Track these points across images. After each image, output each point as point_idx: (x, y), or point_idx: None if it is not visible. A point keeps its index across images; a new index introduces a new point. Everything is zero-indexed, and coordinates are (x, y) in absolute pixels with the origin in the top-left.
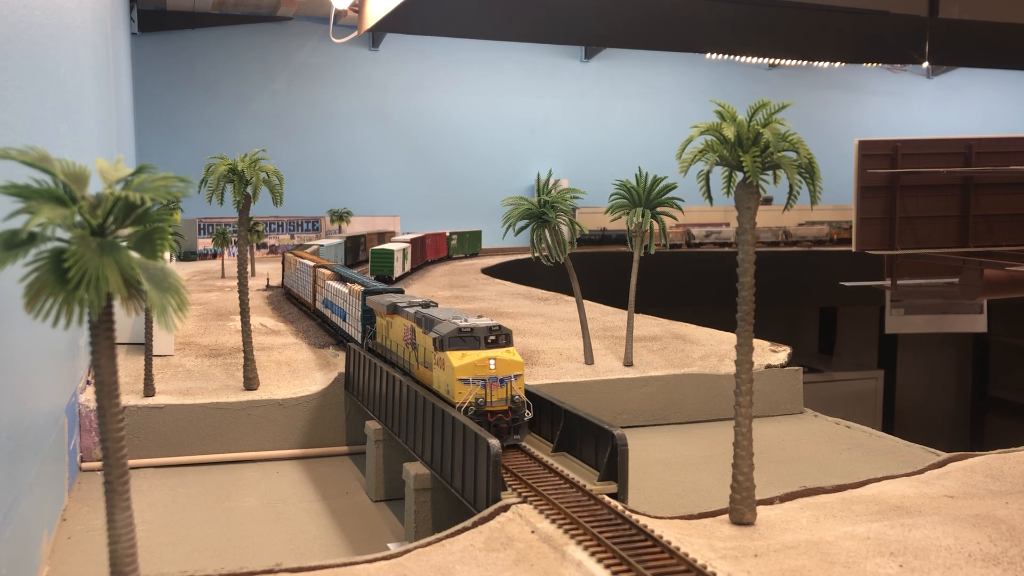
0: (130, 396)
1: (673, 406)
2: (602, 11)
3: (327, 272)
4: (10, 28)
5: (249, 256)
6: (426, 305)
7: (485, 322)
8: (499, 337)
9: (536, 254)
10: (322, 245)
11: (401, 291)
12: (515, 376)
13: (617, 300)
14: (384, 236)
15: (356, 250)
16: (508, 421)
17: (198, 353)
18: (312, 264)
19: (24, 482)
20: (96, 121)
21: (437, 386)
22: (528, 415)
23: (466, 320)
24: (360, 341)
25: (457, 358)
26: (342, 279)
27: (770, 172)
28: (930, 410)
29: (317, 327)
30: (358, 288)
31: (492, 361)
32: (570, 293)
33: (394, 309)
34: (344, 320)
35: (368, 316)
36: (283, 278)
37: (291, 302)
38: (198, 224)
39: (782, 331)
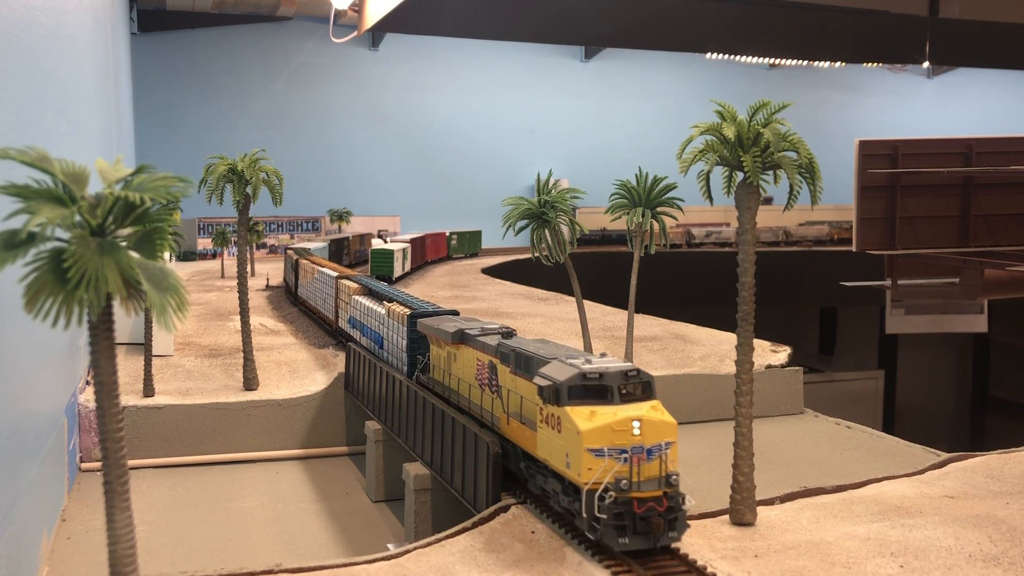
0: (130, 396)
1: (673, 406)
2: (602, 11)
3: (354, 285)
4: (10, 28)
5: (249, 256)
6: (508, 335)
7: (616, 364)
8: (638, 386)
9: (536, 254)
10: (307, 248)
11: (456, 312)
12: (667, 444)
13: (617, 300)
14: (366, 238)
15: (340, 253)
16: (662, 512)
17: (198, 353)
18: (335, 275)
19: (24, 482)
20: (96, 121)
21: (546, 454)
22: (690, 502)
23: (588, 360)
24: (407, 374)
25: (584, 418)
26: (374, 295)
27: (770, 172)
28: (930, 410)
29: (316, 326)
30: (400, 309)
31: (636, 423)
32: (570, 293)
33: (462, 338)
34: (380, 346)
35: (417, 344)
36: (285, 277)
37: (304, 314)
38: (198, 224)
39: (782, 331)
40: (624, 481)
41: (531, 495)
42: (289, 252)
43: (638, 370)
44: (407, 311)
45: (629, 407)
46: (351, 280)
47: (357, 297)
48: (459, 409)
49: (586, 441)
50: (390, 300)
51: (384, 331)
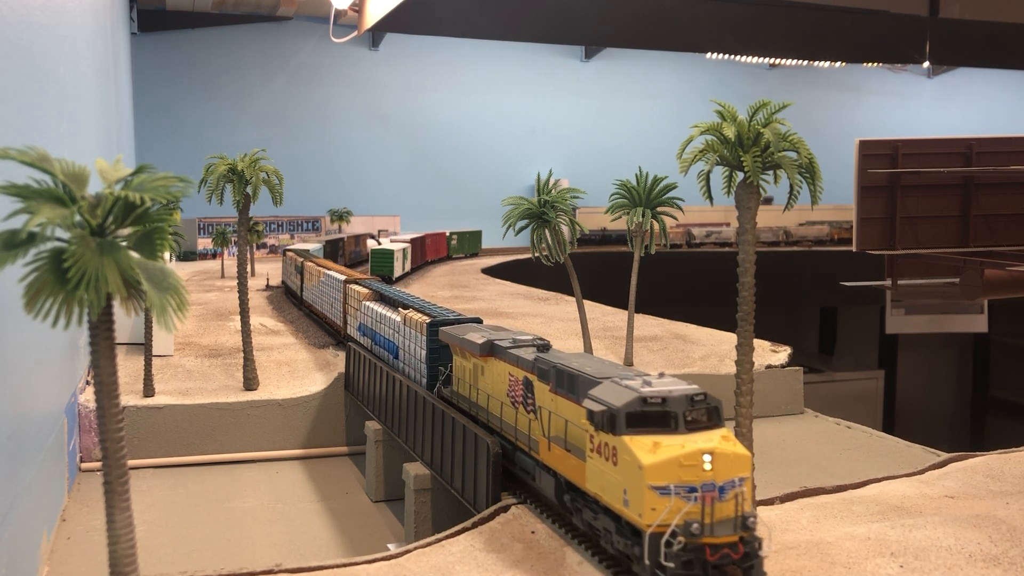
0: (130, 396)
1: None
2: (602, 11)
3: (363, 290)
4: (10, 28)
5: (249, 256)
6: (544, 347)
7: (679, 386)
8: (705, 412)
9: (536, 254)
10: (307, 250)
11: (479, 320)
12: (741, 481)
13: (617, 300)
14: (360, 239)
15: (335, 254)
16: (738, 560)
17: (198, 353)
18: (343, 279)
19: (24, 482)
20: (96, 121)
21: (598, 488)
22: (768, 547)
23: (646, 382)
24: (427, 387)
25: (646, 449)
26: (387, 301)
27: (770, 172)
28: (930, 410)
29: (307, 318)
30: (418, 317)
31: (708, 456)
32: (570, 293)
33: (491, 350)
34: (396, 356)
35: (438, 354)
36: (284, 278)
37: (308, 317)
38: (198, 224)
39: (782, 331)
40: (695, 524)
41: (531, 495)
42: (290, 254)
43: (705, 394)
44: (427, 319)
45: (697, 437)
46: (361, 285)
47: (368, 303)
48: (488, 428)
49: (649, 477)
50: (405, 306)
51: (400, 340)
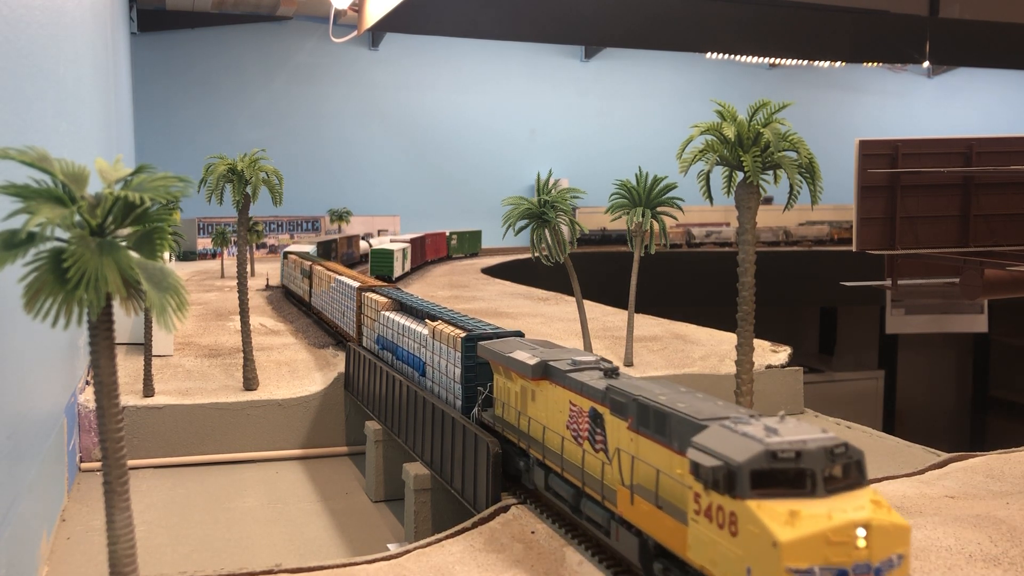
0: (129, 396)
1: None
2: (602, 11)
3: (382, 299)
4: (10, 28)
5: (249, 256)
6: (612, 372)
7: (812, 435)
8: (847, 467)
9: (536, 254)
10: (307, 252)
11: (520, 334)
12: (899, 559)
13: (617, 300)
14: (353, 240)
15: (328, 255)
16: None
17: (197, 353)
18: (356, 285)
19: (23, 482)
20: (96, 121)
21: (707, 561)
22: None
23: (768, 428)
24: (462, 410)
25: (781, 521)
26: (410, 311)
27: (770, 172)
28: (930, 410)
29: (316, 326)
30: (451, 330)
31: (862, 531)
32: (570, 293)
33: (546, 373)
34: (423, 373)
35: (475, 373)
36: (283, 280)
37: (320, 326)
38: (197, 224)
39: (782, 331)
40: None
41: (531, 495)
42: (293, 257)
43: (846, 444)
44: (462, 332)
45: (844, 502)
46: (378, 293)
47: (388, 313)
48: (539, 464)
49: (788, 557)
50: (433, 318)
51: (427, 356)
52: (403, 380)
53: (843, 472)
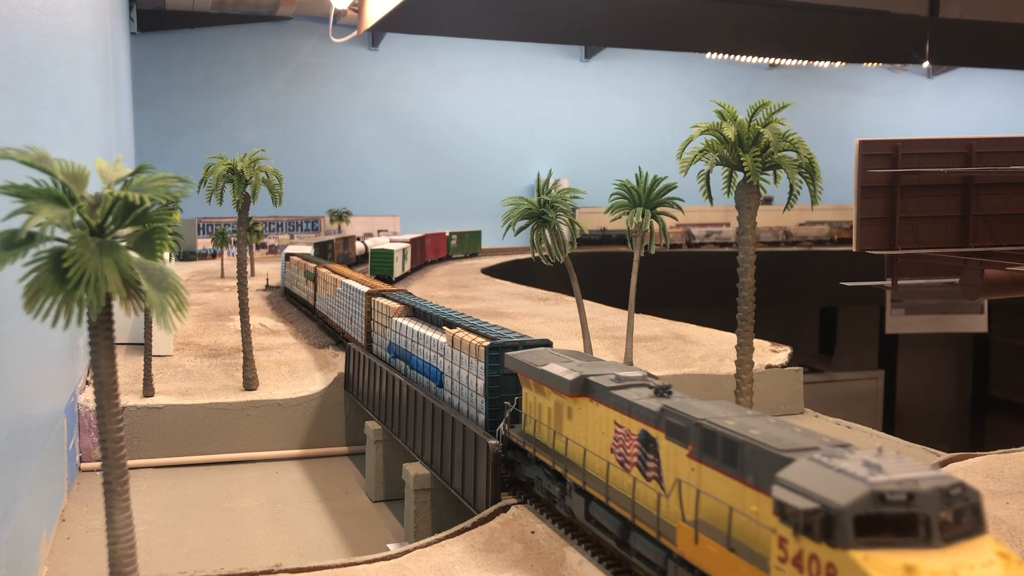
0: (129, 396)
1: None
2: (602, 11)
3: (394, 304)
4: (10, 28)
5: (248, 256)
6: (664, 390)
7: (921, 471)
8: (964, 512)
9: (536, 254)
10: (299, 253)
11: (548, 343)
12: None
13: (617, 300)
14: (349, 241)
15: (324, 256)
16: None
17: (197, 353)
18: (365, 290)
19: (24, 482)
20: (96, 121)
21: None
22: None
23: (868, 464)
24: (485, 426)
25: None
26: (424, 318)
27: (770, 172)
28: (930, 410)
29: (315, 325)
30: (472, 339)
31: None
32: (570, 293)
33: (586, 388)
34: (440, 384)
35: (500, 386)
36: (284, 282)
37: (326, 330)
38: (197, 224)
39: (782, 331)
40: None
41: (531, 495)
42: (295, 258)
43: (962, 484)
44: (484, 341)
45: (966, 555)
46: (389, 298)
47: (401, 320)
48: (578, 490)
49: None
50: (451, 325)
51: (446, 366)
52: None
53: (958, 517)
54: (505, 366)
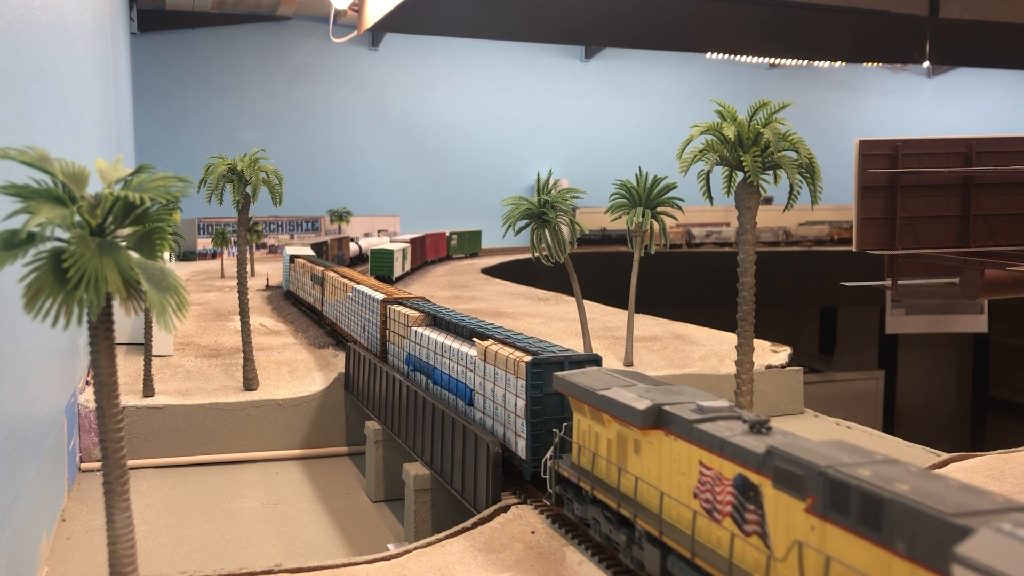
0: (129, 396)
1: None
2: (602, 11)
3: (412, 313)
4: (10, 28)
5: (249, 256)
6: (762, 425)
7: None
8: None
9: (536, 254)
10: (304, 255)
11: (598, 360)
12: None
13: (617, 300)
14: (343, 242)
15: (320, 257)
16: None
17: (197, 353)
18: (380, 297)
19: (24, 482)
20: (96, 121)
21: None
22: None
23: None
24: (529, 455)
25: None
26: (448, 328)
27: (770, 172)
28: (930, 410)
29: (315, 325)
30: (510, 353)
31: None
32: (570, 293)
33: (660, 420)
34: (470, 403)
35: (542, 406)
36: (286, 284)
37: (333, 336)
38: (197, 224)
39: (782, 331)
40: None
41: (531, 495)
42: (300, 261)
43: None
44: (525, 356)
45: None
46: (407, 306)
47: (421, 330)
48: (651, 539)
49: None
50: (481, 336)
51: (476, 382)
52: (403, 380)
53: None
54: (554, 388)
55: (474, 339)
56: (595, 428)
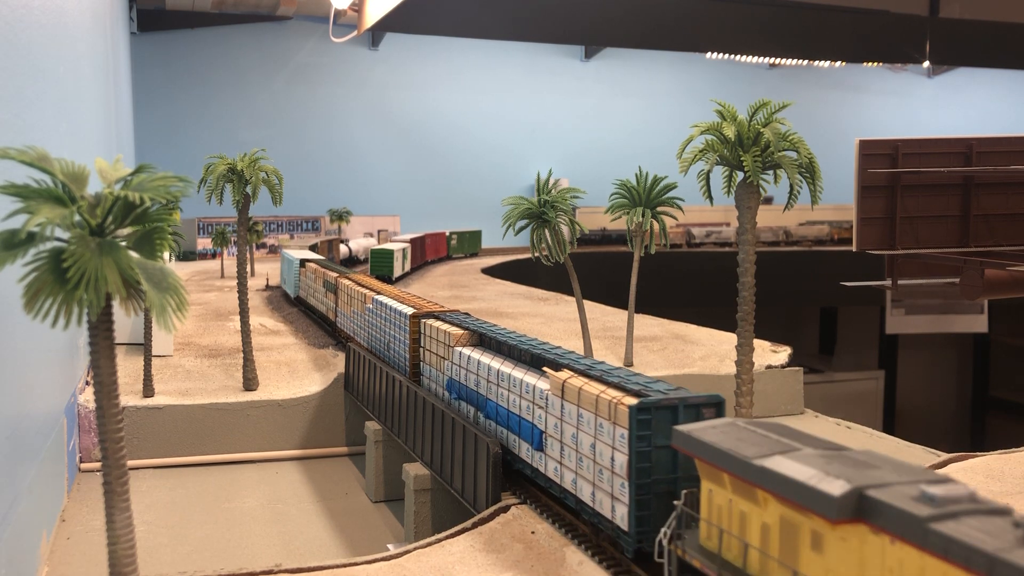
0: (129, 396)
1: None
2: (602, 11)
3: (454, 331)
4: (10, 28)
5: (248, 256)
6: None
7: None
8: None
9: (536, 254)
10: (307, 259)
11: (720, 400)
12: None
13: (617, 300)
14: (333, 244)
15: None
16: None
17: (197, 353)
18: (408, 312)
19: (24, 482)
20: (96, 121)
21: None
22: None
23: None
24: (633, 531)
25: None
26: (500, 350)
27: (770, 172)
28: (931, 410)
29: (315, 325)
30: (602, 392)
31: None
32: (570, 293)
33: (860, 510)
34: (539, 447)
35: (650, 463)
36: (287, 287)
37: (342, 344)
38: (197, 224)
39: (782, 331)
40: None
41: (531, 495)
42: (312, 265)
43: None
44: (628, 398)
45: None
46: (445, 321)
47: (466, 352)
48: None
49: None
50: (555, 366)
51: (548, 423)
52: (403, 380)
53: None
54: (673, 445)
55: (544, 368)
56: (739, 505)
